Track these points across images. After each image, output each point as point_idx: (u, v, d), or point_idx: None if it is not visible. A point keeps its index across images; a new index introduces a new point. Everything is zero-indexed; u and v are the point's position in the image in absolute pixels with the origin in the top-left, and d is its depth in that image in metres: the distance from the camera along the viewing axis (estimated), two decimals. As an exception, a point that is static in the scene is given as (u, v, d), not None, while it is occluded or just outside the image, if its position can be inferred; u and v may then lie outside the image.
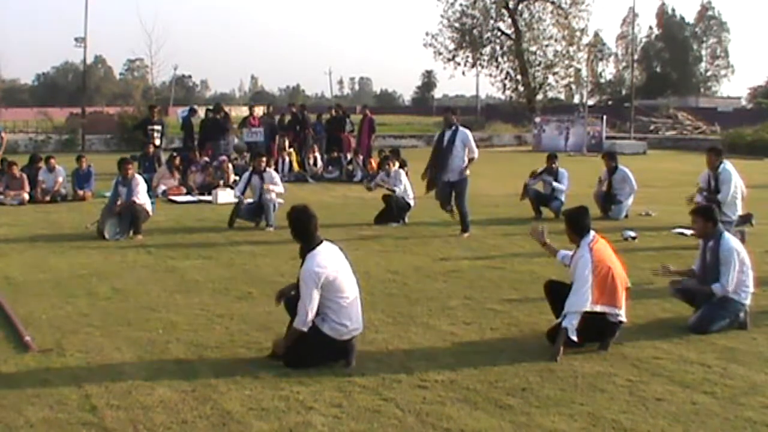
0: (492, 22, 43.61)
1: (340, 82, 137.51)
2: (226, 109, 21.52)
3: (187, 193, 15.00)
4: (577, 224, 5.72)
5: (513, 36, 43.09)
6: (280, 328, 5.65)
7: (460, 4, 43.64)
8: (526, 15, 43.41)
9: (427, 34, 51.40)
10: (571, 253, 5.81)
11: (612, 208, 12.33)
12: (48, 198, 14.05)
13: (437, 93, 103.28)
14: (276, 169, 17.04)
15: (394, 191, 11.68)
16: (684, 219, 6.74)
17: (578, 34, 43.08)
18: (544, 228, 6.25)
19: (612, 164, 12.57)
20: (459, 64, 44.62)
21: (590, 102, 49.10)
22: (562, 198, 12.33)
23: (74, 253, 9.22)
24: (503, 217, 12.37)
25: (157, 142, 17.23)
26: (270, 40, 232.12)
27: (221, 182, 15.26)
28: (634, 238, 10.23)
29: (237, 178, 15.51)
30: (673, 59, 73.68)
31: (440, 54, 44.78)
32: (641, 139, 33.81)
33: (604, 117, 32.83)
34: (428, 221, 11.60)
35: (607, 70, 68.49)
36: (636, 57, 61.00)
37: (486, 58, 44.42)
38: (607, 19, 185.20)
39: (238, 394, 4.69)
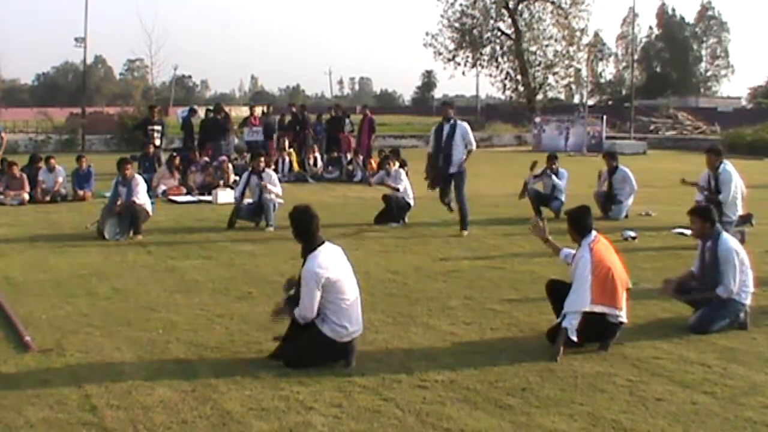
0: (492, 22, 43.62)
1: (340, 82, 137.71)
2: (226, 109, 21.51)
3: (187, 193, 15.00)
4: (579, 224, 5.72)
5: (513, 36, 43.09)
6: (280, 328, 5.64)
7: (460, 4, 43.69)
8: (526, 15, 43.41)
9: (427, 34, 51.50)
10: (574, 251, 5.81)
11: (612, 208, 12.33)
12: (48, 198, 14.05)
13: (437, 93, 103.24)
14: (276, 170, 17.07)
15: (397, 189, 11.66)
16: (684, 219, 6.74)
17: (578, 34, 43.10)
18: (545, 223, 6.24)
19: (613, 164, 12.57)
20: (459, 64, 44.66)
21: (590, 102, 49.10)
22: (563, 198, 12.33)
23: (74, 253, 9.22)
24: (503, 217, 12.37)
25: (157, 142, 17.22)
26: (270, 40, 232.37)
27: (221, 182, 15.26)
28: (634, 238, 10.23)
29: (237, 178, 15.51)
30: (673, 59, 73.70)
31: (440, 54, 44.83)
32: (641, 139, 33.81)
33: (604, 117, 32.83)
34: (428, 221, 11.60)
35: (607, 70, 68.60)
36: (636, 57, 61.03)
37: (486, 58, 44.42)
38: (607, 19, 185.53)
39: (238, 394, 4.69)
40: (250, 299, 7.03)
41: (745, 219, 10.59)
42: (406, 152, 18.39)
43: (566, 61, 43.47)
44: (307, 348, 5.13)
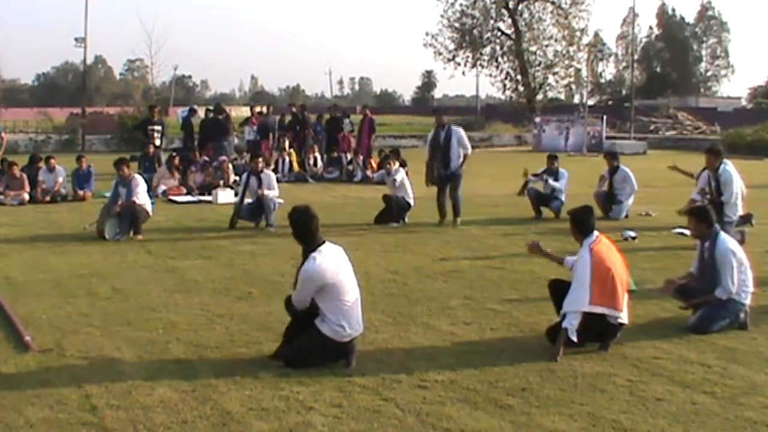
0: (492, 22, 43.61)
1: (340, 82, 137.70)
2: (226, 109, 21.51)
3: (187, 193, 15.00)
4: (581, 224, 5.72)
5: (513, 36, 43.07)
6: (280, 328, 5.65)
7: (460, 4, 43.67)
8: (526, 15, 43.39)
9: (427, 34, 51.43)
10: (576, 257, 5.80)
11: (612, 208, 12.33)
12: (48, 198, 14.04)
13: (437, 93, 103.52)
14: (276, 170, 17.10)
15: (395, 180, 11.67)
16: (684, 219, 6.75)
17: (578, 34, 43.08)
18: (538, 240, 6.19)
19: (614, 164, 12.58)
20: (459, 64, 44.64)
21: (590, 102, 49.12)
22: (563, 198, 12.33)
23: (74, 253, 9.22)
24: (503, 217, 12.37)
25: (157, 142, 17.23)
26: (270, 40, 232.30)
27: (221, 182, 15.26)
28: (634, 238, 10.23)
29: (237, 178, 15.53)
30: (673, 59, 73.71)
31: (440, 54, 44.81)
32: (641, 139, 33.81)
33: (604, 117, 32.83)
34: (428, 221, 11.60)
35: (607, 70, 68.60)
36: (636, 57, 61.04)
37: (486, 58, 44.40)
38: (607, 19, 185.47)
39: (238, 394, 4.68)
40: (250, 299, 7.03)
41: (745, 219, 10.58)
42: (406, 152, 18.40)
43: (566, 61, 43.47)
44: (307, 348, 5.12)
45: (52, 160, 14.60)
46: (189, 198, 14.65)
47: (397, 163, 12.49)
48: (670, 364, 5.28)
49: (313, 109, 27.08)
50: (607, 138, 31.85)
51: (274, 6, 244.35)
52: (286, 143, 19.10)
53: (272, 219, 11.04)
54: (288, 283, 6.79)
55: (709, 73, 79.16)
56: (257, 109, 21.70)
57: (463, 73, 53.98)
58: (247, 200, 11.43)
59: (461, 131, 11.41)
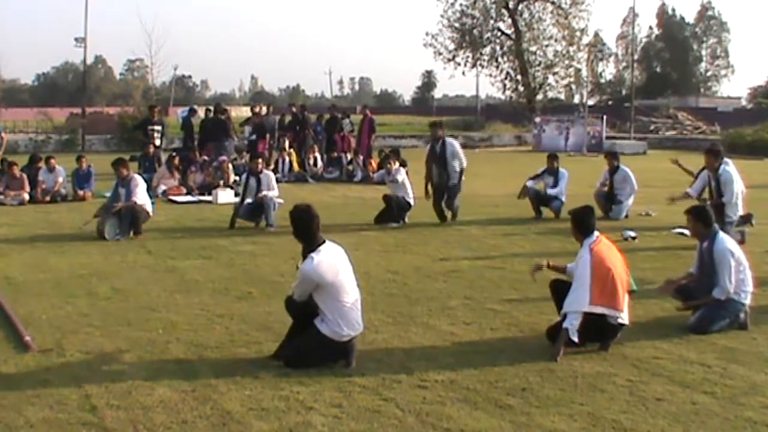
0: (492, 22, 43.61)
1: (340, 82, 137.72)
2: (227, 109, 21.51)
3: (187, 193, 15.00)
4: (581, 224, 5.73)
5: (513, 36, 43.07)
6: (280, 328, 5.65)
7: (460, 4, 43.67)
8: (526, 15, 43.40)
9: (427, 34, 51.40)
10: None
11: (612, 208, 12.33)
12: (48, 198, 14.05)
13: (437, 93, 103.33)
14: (276, 170, 17.10)
15: (395, 181, 11.70)
16: (684, 219, 6.75)
17: (578, 34, 43.09)
18: (538, 264, 6.11)
19: (614, 163, 12.57)
20: (459, 64, 44.64)
21: (590, 102, 49.10)
22: (563, 198, 12.33)
23: (74, 253, 9.22)
24: (503, 217, 12.37)
25: (157, 142, 17.23)
26: (270, 40, 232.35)
27: (221, 182, 15.26)
28: (634, 238, 10.23)
29: (237, 178, 15.53)
30: (673, 59, 73.69)
31: (440, 54, 44.80)
32: (641, 139, 33.80)
33: (604, 117, 32.84)
34: (428, 221, 11.60)
35: (607, 70, 68.56)
36: (636, 57, 61.02)
37: (486, 58, 44.40)
38: (607, 19, 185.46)
39: (238, 394, 4.68)
40: (250, 299, 7.03)
41: (746, 219, 10.57)
42: (406, 152, 18.39)
43: (566, 61, 43.47)
44: (307, 348, 5.12)
45: (52, 160, 14.61)
46: (189, 198, 14.65)
47: (398, 163, 12.50)
48: (670, 364, 5.28)
49: (313, 109, 27.09)
50: (607, 138, 31.85)
51: (274, 6, 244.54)
52: (286, 143, 19.10)
53: (272, 219, 11.03)
54: (288, 283, 6.80)
55: (709, 73, 79.15)
56: (257, 109, 21.68)
57: (463, 73, 54.03)
58: (247, 200, 11.43)
59: (456, 145, 11.70)
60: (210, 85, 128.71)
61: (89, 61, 57.33)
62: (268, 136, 19.65)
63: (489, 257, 9.09)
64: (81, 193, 14.40)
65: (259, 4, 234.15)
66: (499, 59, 44.16)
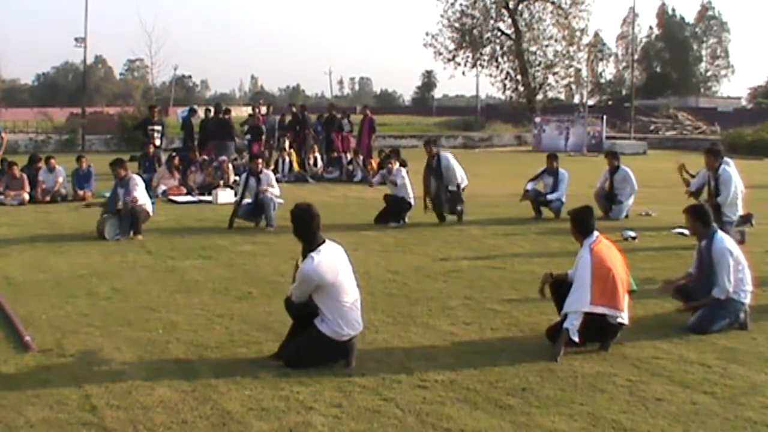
0: (492, 22, 43.63)
1: (340, 82, 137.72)
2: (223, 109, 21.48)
3: (187, 193, 15.00)
4: (581, 224, 5.73)
5: (513, 36, 43.09)
6: (280, 328, 5.66)
7: (460, 4, 43.71)
8: (526, 15, 43.42)
9: (427, 34, 51.50)
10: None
11: (612, 208, 12.33)
12: (48, 198, 14.05)
13: (437, 93, 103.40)
14: (276, 170, 17.10)
15: (395, 183, 11.71)
16: (684, 219, 6.75)
17: (578, 34, 43.11)
18: (545, 279, 5.95)
19: (614, 163, 12.57)
20: (459, 64, 44.68)
21: (590, 102, 49.12)
22: (563, 198, 12.32)
23: (74, 253, 9.22)
24: (503, 217, 12.37)
25: (157, 142, 17.23)
26: (270, 40, 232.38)
27: (221, 182, 15.26)
28: (634, 238, 10.23)
29: (237, 178, 15.53)
30: (673, 59, 73.66)
31: (440, 54, 44.84)
32: (641, 139, 33.82)
33: (604, 117, 32.86)
34: (428, 221, 11.60)
35: (607, 70, 68.53)
36: (636, 57, 61.01)
37: (486, 58, 44.43)
38: (607, 19, 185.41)
39: (238, 394, 4.68)
40: (250, 299, 7.03)
41: (745, 219, 10.59)
42: (406, 152, 18.37)
43: (566, 61, 43.49)
44: (307, 348, 5.12)
45: (52, 160, 14.61)
46: (189, 198, 14.65)
47: (398, 164, 12.50)
48: (670, 364, 5.28)
49: (313, 109, 27.10)
50: (607, 138, 31.87)
51: (274, 6, 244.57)
52: (286, 143, 19.10)
53: (272, 219, 11.03)
54: (288, 284, 6.79)
55: (709, 73, 79.10)
56: (257, 109, 21.67)
57: (463, 73, 54.06)
58: (246, 200, 11.43)
59: (450, 159, 11.78)
60: (210, 85, 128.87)
61: (89, 61, 57.39)
62: (263, 137, 19.64)
63: (489, 257, 9.09)
64: (81, 193, 14.41)
65: (259, 4, 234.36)
66: (499, 59, 44.20)
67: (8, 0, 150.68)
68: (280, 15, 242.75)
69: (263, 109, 21.56)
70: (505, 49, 44.06)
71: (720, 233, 6.23)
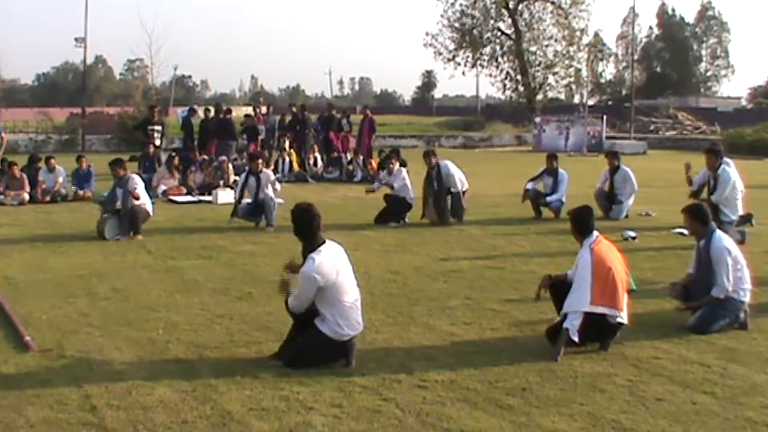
0: (492, 22, 43.61)
1: (340, 82, 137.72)
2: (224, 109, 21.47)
3: (187, 193, 15.00)
4: (581, 223, 5.73)
5: (513, 36, 43.08)
6: (280, 328, 5.66)
7: (460, 4, 43.69)
8: (526, 15, 43.40)
9: (427, 34, 51.30)
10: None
11: (612, 208, 12.33)
12: (48, 198, 14.06)
13: (437, 93, 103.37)
14: (276, 170, 17.09)
15: (393, 187, 11.72)
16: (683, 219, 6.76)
17: (578, 34, 43.07)
18: (544, 282, 5.94)
19: (615, 163, 12.57)
20: (459, 64, 44.66)
21: (590, 102, 49.11)
22: (563, 198, 12.32)
23: (74, 253, 9.22)
24: (503, 217, 12.37)
25: (157, 142, 17.21)
26: (270, 40, 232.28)
27: (221, 182, 15.26)
28: (634, 238, 10.23)
29: (237, 178, 15.52)
30: (673, 59, 73.63)
31: (440, 54, 44.81)
32: (641, 139, 33.83)
33: (604, 117, 32.85)
34: (428, 221, 11.59)
35: (607, 70, 68.39)
36: (636, 57, 60.97)
37: (486, 58, 44.41)
38: (607, 19, 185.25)
39: (238, 394, 4.68)
40: (250, 299, 7.03)
41: (746, 219, 10.60)
42: (406, 152, 18.37)
43: (566, 61, 43.47)
44: (307, 348, 5.12)
45: (52, 160, 14.62)
46: (189, 198, 14.65)
47: (398, 164, 12.51)
48: (670, 364, 5.28)
49: (313, 109, 27.09)
50: (607, 138, 31.87)
51: (274, 6, 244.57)
52: (286, 143, 19.10)
53: (272, 219, 11.03)
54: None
55: (709, 73, 79.05)
56: (259, 109, 21.68)
57: (463, 73, 54.12)
58: (246, 200, 11.43)
59: (450, 167, 11.72)
60: (210, 85, 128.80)
61: (89, 61, 57.40)
62: (260, 137, 19.61)
63: (489, 257, 9.09)
64: (81, 193, 14.40)
65: (259, 4, 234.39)
66: (499, 59, 44.19)
67: (8, 0, 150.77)
68: (280, 15, 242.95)
69: (263, 109, 21.56)
70: (505, 49, 44.05)
71: (719, 232, 6.23)
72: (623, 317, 5.55)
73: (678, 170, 12.51)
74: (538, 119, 33.91)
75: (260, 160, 11.75)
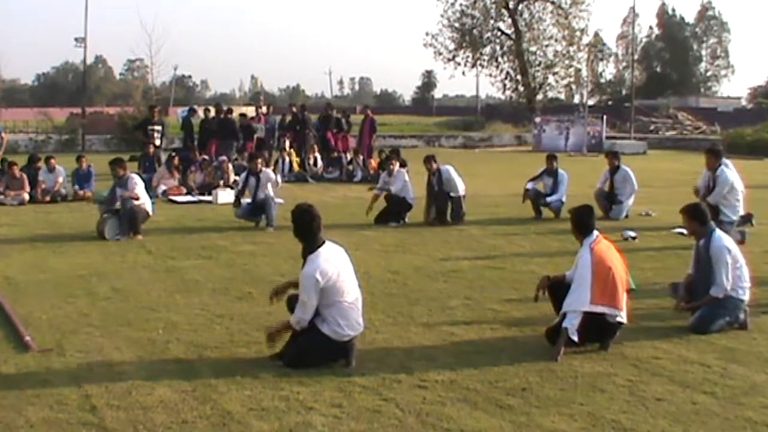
0: (492, 22, 43.62)
1: (340, 82, 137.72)
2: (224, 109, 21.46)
3: (187, 193, 15.00)
4: (581, 223, 5.73)
5: (513, 36, 43.08)
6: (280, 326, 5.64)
7: (460, 4, 43.70)
8: (526, 15, 43.40)
9: (427, 34, 51.34)
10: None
11: (613, 208, 12.33)
12: (48, 198, 14.06)
13: (437, 93, 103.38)
14: (276, 170, 17.08)
15: (390, 190, 11.72)
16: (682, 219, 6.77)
17: (578, 34, 43.08)
18: (542, 284, 5.94)
19: (615, 163, 12.57)
20: (459, 64, 44.67)
21: (590, 102, 49.11)
22: (563, 199, 12.32)
23: (74, 253, 9.22)
24: (503, 217, 12.37)
25: (157, 142, 17.21)
26: (270, 40, 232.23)
27: (221, 182, 15.26)
28: (634, 238, 10.23)
29: (237, 178, 15.52)
30: (673, 59, 73.64)
31: (440, 54, 44.82)
32: (641, 139, 33.82)
33: (604, 117, 32.85)
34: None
35: (607, 70, 68.42)
36: (636, 57, 60.97)
37: (486, 58, 44.42)
38: (607, 19, 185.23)
39: (238, 394, 4.68)
40: (250, 299, 7.03)
41: (746, 219, 10.60)
42: (406, 152, 18.36)
43: (566, 61, 43.47)
44: (307, 348, 5.12)
45: (52, 160, 14.62)
46: (189, 198, 14.65)
47: (398, 164, 12.51)
48: (670, 364, 5.28)
49: (313, 109, 27.08)
50: (607, 138, 31.87)
51: (274, 6, 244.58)
52: (286, 143, 19.09)
53: (273, 219, 11.03)
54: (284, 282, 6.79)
55: (709, 73, 79.05)
56: (260, 110, 21.68)
57: (463, 73, 54.12)
58: (246, 200, 11.43)
59: (451, 171, 11.71)
60: (210, 85, 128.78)
61: (89, 61, 57.39)
62: (255, 135, 19.61)
63: (489, 257, 9.09)
64: (81, 193, 14.41)
65: (259, 4, 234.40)
66: (499, 59, 44.20)
67: (8, 0, 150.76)
68: (280, 15, 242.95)
69: (264, 109, 21.57)
70: (505, 49, 44.06)
71: (718, 231, 6.23)
72: (623, 317, 5.55)
73: (678, 170, 12.55)
74: (538, 119, 33.91)
75: (260, 160, 11.76)
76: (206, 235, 10.54)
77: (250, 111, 23.42)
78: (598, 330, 5.51)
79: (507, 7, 42.78)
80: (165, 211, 12.63)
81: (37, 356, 5.37)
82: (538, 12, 43.36)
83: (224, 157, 16.78)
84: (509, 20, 43.15)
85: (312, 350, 5.12)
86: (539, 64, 43.61)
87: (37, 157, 15.19)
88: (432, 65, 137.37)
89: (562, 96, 48.68)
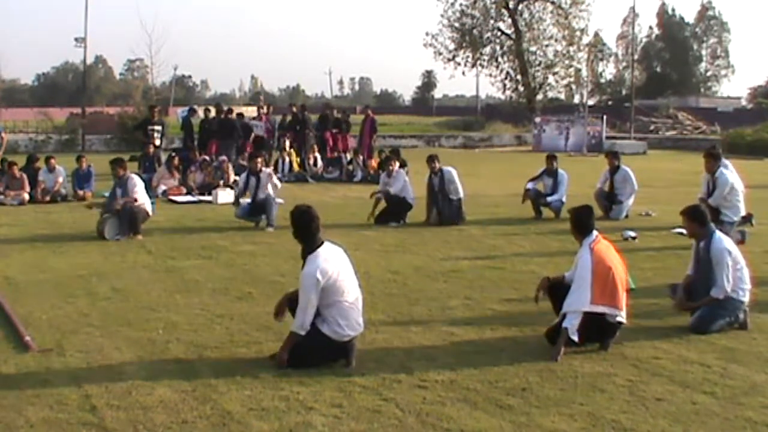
0: (492, 22, 43.65)
1: (340, 82, 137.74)
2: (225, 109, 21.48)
3: (187, 193, 15.00)
4: (581, 223, 5.73)
5: (513, 36, 43.11)
6: (280, 328, 5.65)
7: (460, 4, 43.74)
8: (526, 15, 43.43)
9: (427, 34, 51.31)
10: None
11: (613, 208, 12.33)
12: (48, 198, 14.06)
13: (437, 93, 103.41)
14: (276, 170, 17.09)
15: (389, 192, 11.72)
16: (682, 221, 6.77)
17: (578, 34, 43.10)
18: (542, 285, 5.92)
19: (615, 163, 12.57)
20: (459, 64, 44.70)
21: (590, 102, 49.10)
22: (563, 199, 12.32)
23: (74, 253, 9.22)
24: (503, 217, 12.37)
25: (157, 142, 17.22)
26: (270, 40, 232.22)
27: (221, 182, 15.26)
28: (634, 238, 10.23)
29: (237, 178, 15.53)
30: (673, 59, 73.64)
31: (440, 54, 44.86)
32: (641, 139, 33.83)
33: (604, 117, 32.86)
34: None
35: (608, 70, 68.41)
36: (636, 57, 60.97)
37: (486, 58, 44.45)
38: (607, 19, 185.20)
39: (238, 394, 4.68)
40: (250, 299, 7.03)
41: (746, 219, 10.61)
42: (406, 152, 18.39)
43: (566, 61, 43.49)
44: (307, 348, 5.12)
45: (52, 160, 14.61)
46: (189, 198, 14.65)
47: (398, 164, 12.51)
48: (670, 364, 5.28)
49: (313, 109, 27.09)
50: (607, 138, 31.88)
51: (274, 6, 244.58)
52: (286, 143, 19.09)
53: (273, 219, 11.03)
54: (288, 284, 6.81)
55: (709, 73, 79.04)
56: (261, 110, 21.69)
57: (463, 73, 54.14)
58: (246, 200, 11.44)
59: (453, 173, 11.67)
60: (210, 85, 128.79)
61: (89, 61, 57.39)
62: (253, 134, 19.62)
63: (489, 257, 9.09)
64: (81, 193, 14.41)
65: (259, 4, 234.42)
66: (499, 59, 44.22)
67: (8, 0, 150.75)
68: (280, 15, 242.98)
69: (265, 108, 21.58)
70: (505, 49, 44.08)
71: (718, 233, 6.23)
72: (623, 316, 5.55)
73: (678, 170, 12.55)
74: (538, 119, 33.92)
75: (260, 159, 11.76)
76: (206, 235, 10.54)
77: (251, 111, 23.43)
78: (598, 330, 5.51)
79: (507, 7, 42.79)
80: (165, 211, 12.63)
81: (37, 356, 5.37)
82: (538, 12, 43.42)
83: (224, 157, 16.78)
84: (509, 20, 43.18)
85: (312, 350, 5.12)
86: (539, 64, 43.64)
87: (35, 157, 15.20)
88: (432, 65, 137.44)
89: (562, 96, 48.72)
